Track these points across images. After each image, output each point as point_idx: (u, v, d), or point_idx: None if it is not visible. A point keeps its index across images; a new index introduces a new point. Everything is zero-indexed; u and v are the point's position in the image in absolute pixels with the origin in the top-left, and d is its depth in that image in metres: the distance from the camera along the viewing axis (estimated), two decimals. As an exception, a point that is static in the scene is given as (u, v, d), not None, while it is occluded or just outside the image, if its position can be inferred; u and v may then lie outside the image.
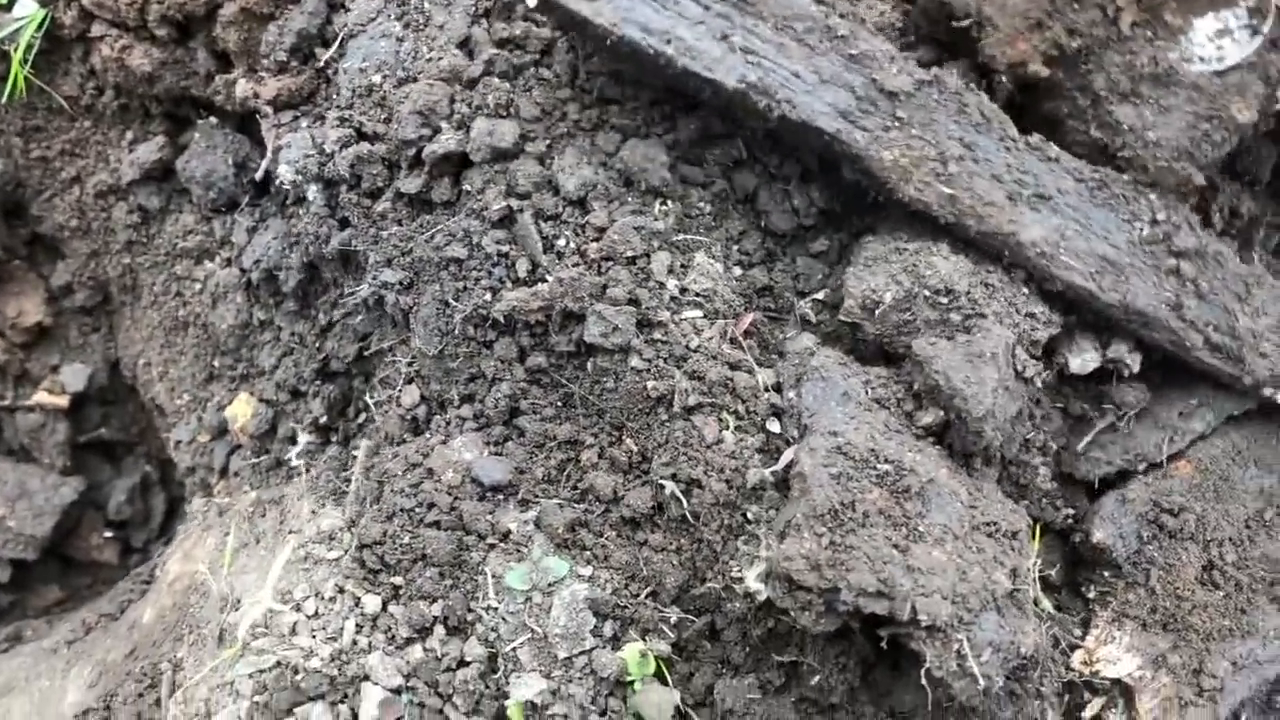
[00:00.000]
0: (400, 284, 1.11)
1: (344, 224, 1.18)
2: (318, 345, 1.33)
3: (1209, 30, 1.06)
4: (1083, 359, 1.07)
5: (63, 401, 1.63)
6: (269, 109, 1.28)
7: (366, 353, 1.23)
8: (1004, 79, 1.06)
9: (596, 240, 1.02)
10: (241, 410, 1.41)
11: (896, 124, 1.02)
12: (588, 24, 0.98)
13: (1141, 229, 1.04)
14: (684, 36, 0.99)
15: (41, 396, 1.63)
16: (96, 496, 1.70)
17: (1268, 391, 1.06)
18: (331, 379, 1.33)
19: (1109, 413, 1.08)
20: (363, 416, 1.31)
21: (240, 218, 1.39)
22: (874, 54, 1.02)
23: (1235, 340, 1.04)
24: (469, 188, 1.07)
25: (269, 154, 1.26)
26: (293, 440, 1.35)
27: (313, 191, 1.19)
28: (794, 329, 1.09)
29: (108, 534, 1.70)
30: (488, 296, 1.04)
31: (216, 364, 1.48)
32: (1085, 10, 1.01)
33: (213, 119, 1.41)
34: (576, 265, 1.02)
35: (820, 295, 1.09)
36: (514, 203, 1.04)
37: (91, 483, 1.69)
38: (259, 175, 1.29)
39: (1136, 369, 1.06)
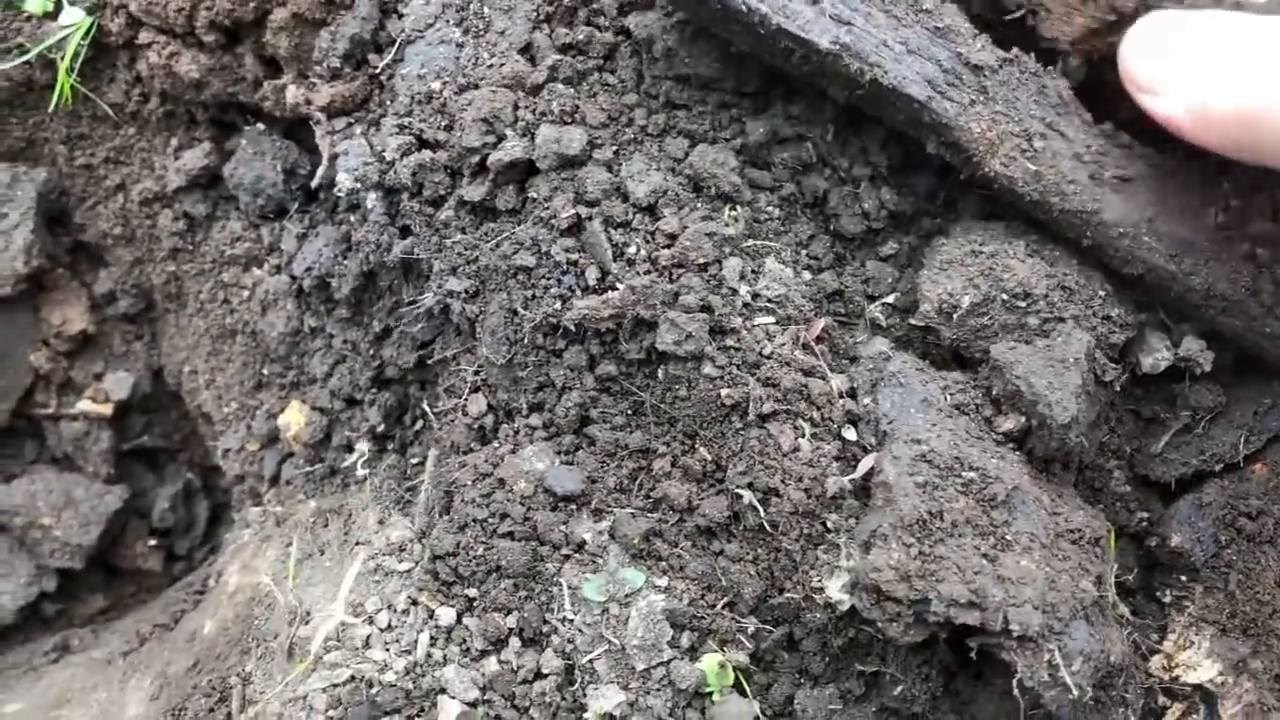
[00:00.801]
0: (466, 292, 1.10)
1: (405, 232, 1.17)
2: (372, 353, 1.32)
3: None
4: (1154, 358, 1.06)
5: (106, 410, 1.62)
6: (322, 116, 1.27)
7: (428, 361, 1.22)
8: (1073, 60, 1.05)
9: (668, 247, 1.01)
10: (295, 418, 1.40)
11: (981, 98, 1.00)
12: None
13: (1217, 214, 1.03)
14: None
15: (85, 405, 1.62)
16: (140, 504, 1.70)
17: (1346, 383, 1.05)
18: (387, 386, 1.33)
19: (1183, 415, 1.07)
20: (420, 424, 1.30)
21: (290, 224, 1.38)
22: (958, 29, 1.01)
23: (1310, 327, 1.03)
24: (535, 195, 1.06)
25: (325, 161, 1.25)
26: (349, 448, 1.34)
27: (372, 199, 1.18)
28: (864, 333, 1.08)
29: (151, 542, 1.70)
30: (557, 305, 1.03)
31: (265, 372, 1.47)
32: None
33: (260, 125, 1.40)
34: (648, 272, 1.01)
35: (890, 299, 1.08)
36: (582, 210, 1.03)
37: (135, 490, 1.68)
38: (315, 183, 1.29)
39: (1208, 367, 1.04)
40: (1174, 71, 0.92)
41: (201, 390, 1.55)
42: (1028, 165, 0.99)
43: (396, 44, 1.19)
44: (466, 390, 1.12)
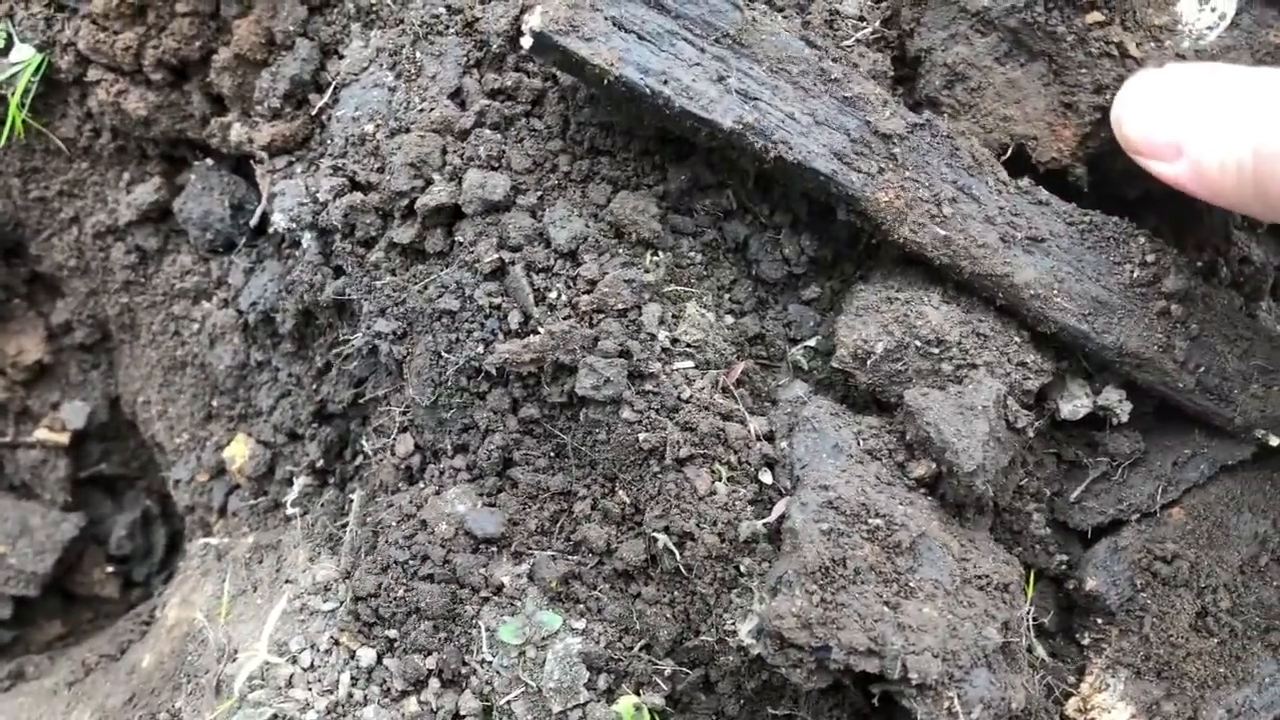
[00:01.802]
0: (394, 334, 1.11)
1: (338, 272, 1.19)
2: (315, 387, 1.33)
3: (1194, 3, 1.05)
4: (1073, 405, 1.07)
5: (63, 438, 1.64)
6: (264, 154, 1.29)
7: (362, 399, 1.24)
8: (1078, 169, 1.07)
9: (588, 293, 1.03)
10: (239, 451, 1.42)
11: (891, 165, 1.02)
12: (585, 64, 0.99)
13: (1132, 271, 1.04)
14: (681, 77, 0.99)
15: (42, 433, 1.64)
16: (97, 531, 1.72)
17: (1259, 432, 1.06)
18: (328, 421, 1.34)
19: (1102, 462, 1.08)
20: (360, 459, 1.31)
21: (237, 259, 1.40)
22: (867, 97, 1.03)
23: (1225, 381, 1.04)
24: (461, 239, 1.07)
25: (264, 200, 1.27)
26: (290, 482, 1.35)
27: (307, 239, 1.20)
28: (786, 376, 1.10)
29: (109, 569, 1.71)
30: (480, 349, 1.05)
31: (215, 404, 1.49)
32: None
33: (209, 161, 1.42)
34: (568, 318, 1.02)
35: (812, 342, 1.10)
36: (506, 255, 1.05)
37: (92, 517, 1.70)
38: (253, 221, 1.30)
39: (1126, 417, 1.05)
40: (1174, 131, 0.90)
41: (154, 420, 1.57)
42: (937, 231, 1.01)
43: (333, 87, 1.20)
44: (395, 430, 1.14)
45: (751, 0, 1.09)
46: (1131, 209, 1.13)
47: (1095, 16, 1.01)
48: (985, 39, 1.05)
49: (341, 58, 1.25)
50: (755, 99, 1.00)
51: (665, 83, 0.98)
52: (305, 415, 1.34)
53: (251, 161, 1.30)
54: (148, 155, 1.46)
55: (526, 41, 0.99)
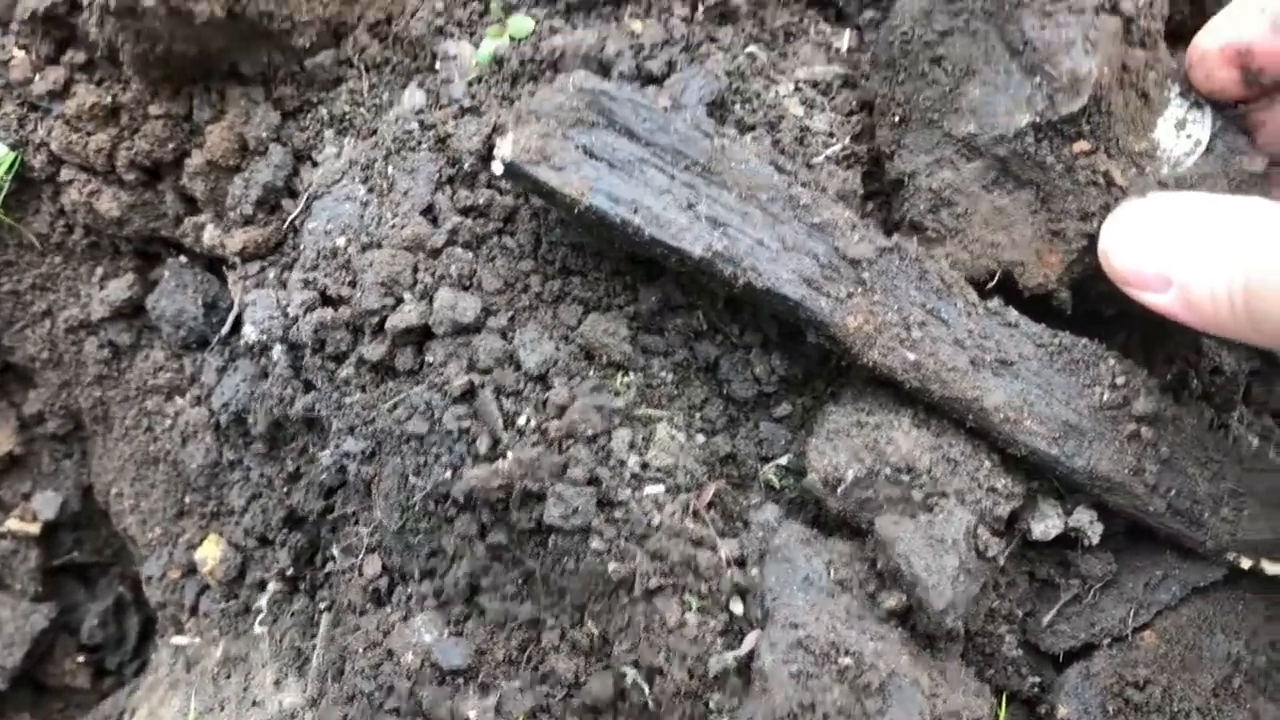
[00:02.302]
0: (362, 454, 1.11)
1: (309, 386, 1.18)
2: (286, 491, 1.32)
3: (1170, 129, 1.06)
4: (1045, 525, 1.07)
5: (34, 529, 1.62)
6: (236, 260, 1.28)
7: (331, 514, 1.23)
8: (1063, 293, 1.07)
9: (557, 418, 1.02)
10: (211, 553, 1.40)
11: (860, 290, 1.02)
12: (555, 193, 0.99)
13: (1102, 393, 1.04)
14: (650, 205, 0.99)
15: (13, 524, 1.62)
16: (69, 620, 1.69)
17: (1230, 555, 1.05)
18: (299, 526, 1.33)
19: (1074, 583, 1.08)
20: (330, 565, 1.30)
21: (210, 357, 1.39)
22: (835, 222, 1.03)
23: (1196, 504, 1.04)
24: (431, 359, 1.07)
25: (235, 308, 1.26)
26: (261, 586, 1.34)
27: (278, 352, 1.19)
28: (759, 495, 1.09)
29: (80, 658, 1.69)
30: (448, 474, 1.04)
31: (188, 500, 1.47)
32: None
33: (182, 258, 1.41)
34: (536, 445, 1.02)
35: (784, 460, 1.09)
36: (475, 378, 1.04)
37: (64, 606, 1.67)
38: (225, 329, 1.29)
39: (1097, 540, 1.05)
40: (1163, 262, 0.91)
41: (127, 514, 1.55)
42: (906, 355, 1.01)
43: (305, 198, 1.20)
44: (363, 550, 1.13)
45: (722, 122, 1.09)
46: (1105, 325, 1.14)
47: (1082, 145, 1.01)
48: (972, 165, 1.05)
49: (315, 164, 1.25)
50: (724, 225, 1.00)
51: (635, 211, 0.98)
52: (276, 520, 1.33)
53: (224, 267, 1.29)
54: (121, 251, 1.45)
55: (498, 168, 0.99)
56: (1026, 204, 1.04)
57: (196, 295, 1.39)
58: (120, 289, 1.44)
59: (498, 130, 1.04)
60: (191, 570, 1.46)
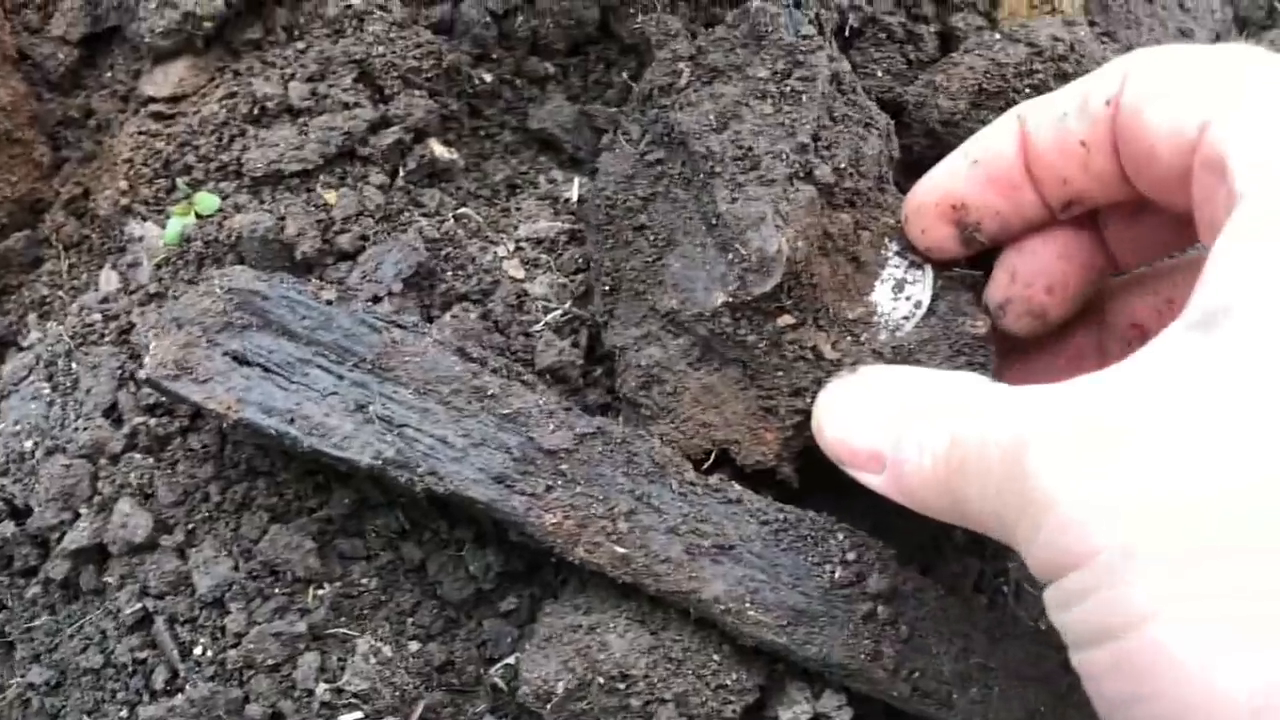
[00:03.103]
0: (47, 684, 1.01)
1: (1, 606, 1.08)
2: (12, 707, 1.21)
3: (888, 294, 0.99)
4: (793, 712, 0.98)
5: None
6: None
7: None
8: (785, 468, 1.00)
9: (234, 647, 0.93)
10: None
11: (560, 483, 0.94)
12: (201, 408, 0.90)
13: (833, 571, 0.96)
14: (311, 413, 0.91)
15: None
16: None
17: (975, 737, 0.97)
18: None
19: (827, 774, 0.99)
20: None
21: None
22: (529, 410, 0.95)
23: (944, 684, 0.96)
24: (109, 580, 0.97)
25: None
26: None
27: (-31, 567, 1.09)
28: (485, 701, 1.00)
29: None
30: (124, 713, 0.94)
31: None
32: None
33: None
34: (213, 678, 0.92)
35: (512, 660, 1.00)
36: (149, 604, 0.95)
37: None
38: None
39: (849, 725, 0.97)
40: (872, 437, 0.85)
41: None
42: (614, 549, 0.93)
43: (-5, 396, 1.11)
44: (58, 793, 1.02)
45: (430, 294, 1.02)
46: (846, 488, 1.06)
47: (786, 320, 0.94)
48: (677, 341, 0.98)
49: (21, 350, 1.16)
50: (401, 426, 0.92)
51: (292, 421, 0.90)
52: (5, 732, 1.22)
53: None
54: None
55: (142, 385, 0.91)
56: (735, 381, 0.97)
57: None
58: None
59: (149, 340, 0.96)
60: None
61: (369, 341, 0.93)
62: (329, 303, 0.93)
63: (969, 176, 0.92)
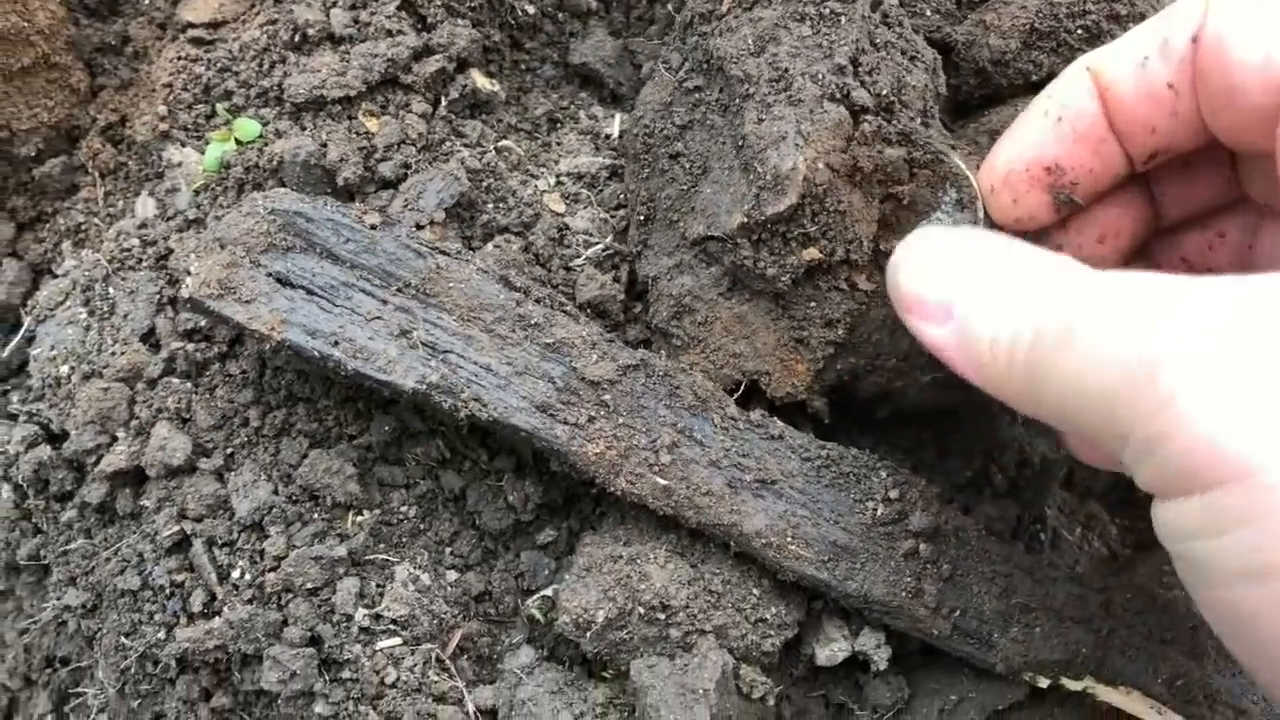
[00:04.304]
0: (84, 607, 1.01)
1: (36, 529, 1.07)
2: (43, 631, 1.21)
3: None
4: (830, 650, 0.98)
5: None
6: (-26, 385, 1.18)
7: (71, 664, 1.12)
8: (816, 402, 1.00)
9: (273, 570, 0.92)
10: (-21, 694, 1.29)
11: (602, 413, 0.93)
12: (243, 329, 0.89)
13: (875, 508, 0.95)
14: (355, 337, 0.90)
15: None
16: None
17: (1026, 676, 0.97)
18: (64, 665, 1.22)
19: (864, 713, 0.99)
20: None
21: (-36, 482, 1.28)
22: (573, 340, 0.94)
23: (984, 624, 0.96)
24: (147, 504, 0.97)
25: (-33, 439, 1.16)
26: (28, 734, 1.23)
27: (5, 491, 1.09)
28: (521, 633, 1.00)
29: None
30: (161, 634, 0.94)
31: (-36, 631, 1.36)
32: None
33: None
34: (251, 601, 0.92)
35: (549, 591, 1.00)
36: (187, 526, 0.94)
37: None
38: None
39: (884, 665, 0.97)
40: (950, 291, 0.78)
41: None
42: (656, 480, 0.92)
43: (28, 322, 1.10)
44: (94, 710, 1.02)
45: (471, 225, 1.01)
46: (884, 428, 1.05)
47: (813, 253, 0.92)
48: (709, 270, 0.97)
49: (55, 277, 1.15)
50: (445, 352, 0.91)
51: (336, 344, 0.89)
52: (37, 660, 1.22)
53: (-41, 397, 1.18)
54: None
55: (183, 306, 0.90)
56: (766, 311, 0.96)
57: (-48, 414, 1.28)
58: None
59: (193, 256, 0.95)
60: (-32, 708, 1.35)
61: (414, 267, 0.92)
62: (373, 227, 0.92)
63: (1057, 136, 0.84)
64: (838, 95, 0.89)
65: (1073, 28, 1.07)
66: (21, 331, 1.10)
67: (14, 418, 1.10)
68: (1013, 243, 0.80)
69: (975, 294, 0.76)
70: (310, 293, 0.90)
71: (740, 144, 0.90)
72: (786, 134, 0.86)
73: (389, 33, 1.05)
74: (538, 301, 0.95)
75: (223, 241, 0.89)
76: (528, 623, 1.00)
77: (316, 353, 0.88)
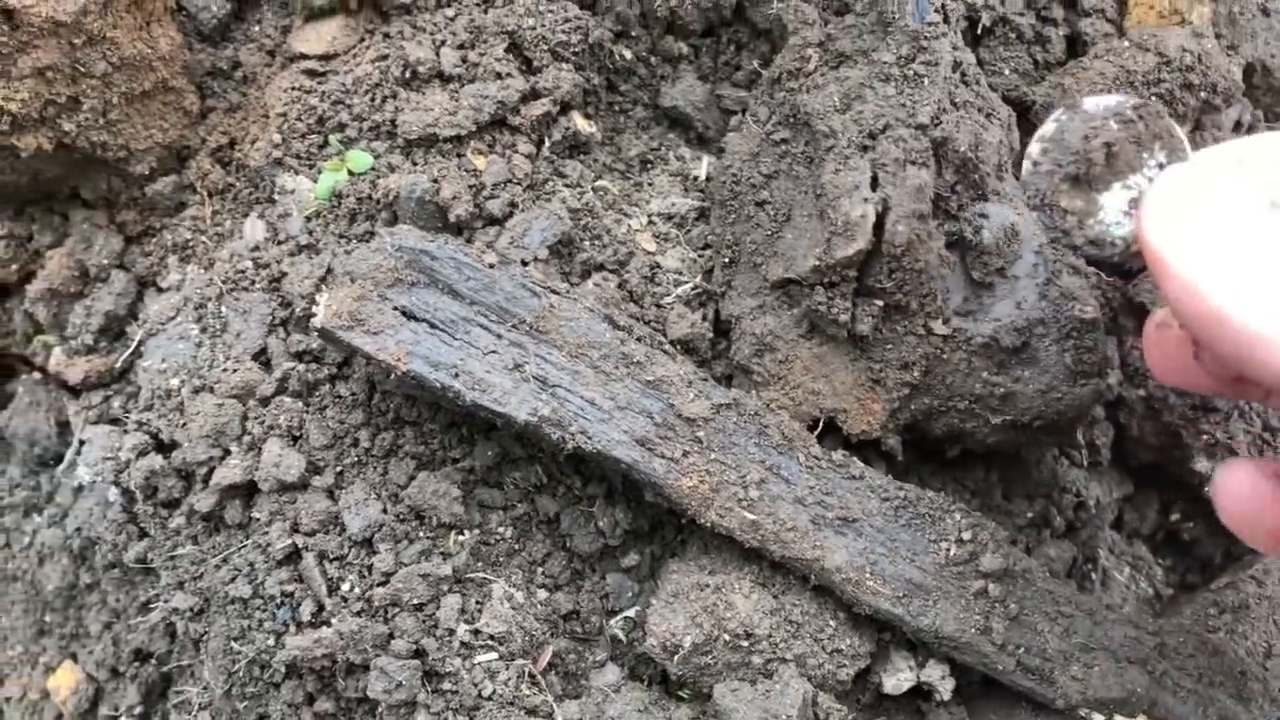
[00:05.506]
0: (191, 610, 1.06)
1: (143, 533, 1.13)
2: (136, 624, 1.27)
3: (1120, 203, 0.97)
4: (897, 679, 1.04)
5: (-105, 642, 1.56)
6: (78, 388, 1.23)
7: (170, 660, 1.18)
8: (890, 440, 1.05)
9: (382, 586, 0.98)
10: (64, 681, 1.35)
11: (696, 448, 0.99)
12: (371, 359, 0.95)
13: (948, 549, 1.01)
14: (474, 369, 0.95)
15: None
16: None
17: (1083, 712, 1.03)
18: (148, 660, 1.28)
19: (926, 739, 1.05)
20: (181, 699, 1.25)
21: (65, 477, 1.34)
22: (671, 379, 0.99)
23: (1046, 661, 1.01)
24: (258, 516, 1.02)
25: (75, 444, 1.21)
26: (113, 722, 1.29)
27: (112, 494, 1.14)
28: (604, 651, 1.06)
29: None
30: (271, 641, 0.99)
31: (47, 619, 1.42)
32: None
33: (36, 374, 1.36)
34: (359, 614, 0.98)
35: (632, 612, 1.06)
36: (299, 540, 1.00)
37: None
38: (62, 468, 1.24)
39: (948, 696, 1.02)
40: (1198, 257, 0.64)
41: (-13, 631, 1.49)
42: (745, 515, 0.98)
43: (139, 335, 1.15)
44: (196, 708, 1.08)
45: (570, 261, 1.06)
46: (954, 466, 1.11)
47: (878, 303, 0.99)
48: (790, 312, 1.03)
49: (161, 290, 1.21)
50: (555, 386, 0.96)
51: (456, 375, 0.94)
52: (126, 653, 1.27)
53: (64, 398, 1.24)
54: (-28, 366, 1.40)
55: (314, 334, 0.95)
56: (845, 352, 1.02)
57: (49, 414, 1.34)
58: (-28, 405, 1.38)
59: (324, 284, 1.00)
60: (49, 694, 1.41)
61: (528, 305, 0.97)
62: (491, 266, 0.97)
63: None
64: (918, 160, 0.94)
65: (1147, 95, 1.13)
66: (135, 345, 1.15)
67: (115, 422, 1.16)
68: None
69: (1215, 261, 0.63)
70: (433, 326, 0.95)
71: (819, 193, 0.96)
72: (860, 184, 0.93)
73: (498, 75, 1.10)
74: (639, 340, 1.00)
75: (353, 275, 0.95)
76: (611, 642, 1.06)
77: (439, 384, 0.93)
